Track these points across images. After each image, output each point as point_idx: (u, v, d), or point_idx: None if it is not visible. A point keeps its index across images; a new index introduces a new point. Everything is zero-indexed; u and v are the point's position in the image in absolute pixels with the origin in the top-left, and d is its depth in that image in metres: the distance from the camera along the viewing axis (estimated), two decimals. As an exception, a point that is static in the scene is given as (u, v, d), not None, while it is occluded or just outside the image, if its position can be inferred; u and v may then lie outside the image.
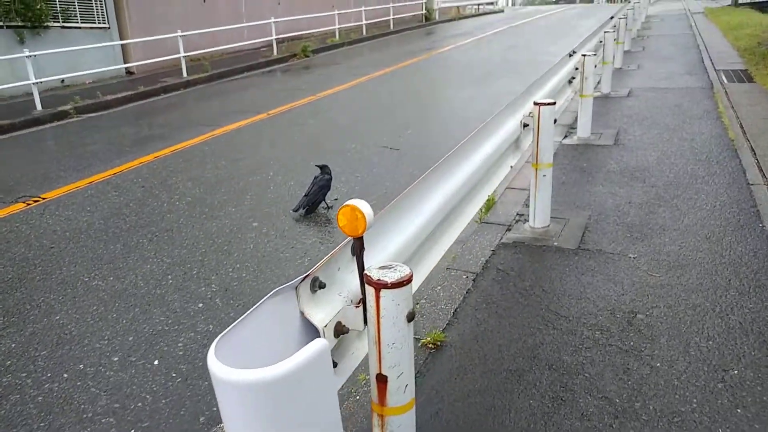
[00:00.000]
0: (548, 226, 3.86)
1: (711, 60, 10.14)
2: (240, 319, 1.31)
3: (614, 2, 35.66)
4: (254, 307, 1.36)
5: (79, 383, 2.74)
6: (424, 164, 5.77)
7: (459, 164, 2.56)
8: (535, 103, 3.57)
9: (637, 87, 8.31)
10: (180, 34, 12.63)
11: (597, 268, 3.24)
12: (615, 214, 4.00)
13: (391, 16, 22.18)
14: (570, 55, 5.76)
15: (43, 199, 5.22)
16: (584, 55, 5.58)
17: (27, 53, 9.34)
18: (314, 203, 4.67)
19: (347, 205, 1.55)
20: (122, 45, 13.34)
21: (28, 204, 5.10)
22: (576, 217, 3.99)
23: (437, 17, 26.37)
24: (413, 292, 1.65)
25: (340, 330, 1.55)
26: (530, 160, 3.81)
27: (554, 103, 3.61)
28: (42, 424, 2.50)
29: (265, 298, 1.38)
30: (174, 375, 2.76)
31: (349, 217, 1.55)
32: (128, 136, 7.62)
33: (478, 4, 32.51)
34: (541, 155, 3.66)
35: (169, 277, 3.69)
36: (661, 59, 10.69)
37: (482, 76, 10.70)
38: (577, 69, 5.75)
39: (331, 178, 4.78)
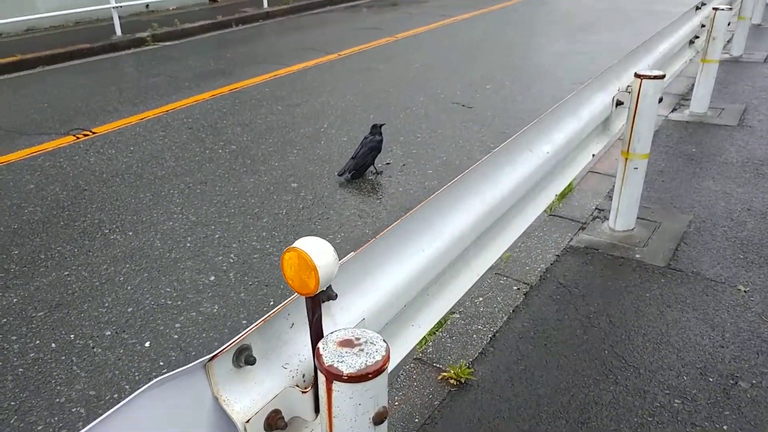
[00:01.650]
0: (632, 229, 3.14)
1: None
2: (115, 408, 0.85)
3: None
4: (135, 393, 0.89)
5: (63, 357, 2.48)
6: (496, 129, 5.06)
7: (512, 161, 1.93)
8: (637, 75, 2.79)
9: (771, 52, 6.94)
10: (264, -39, 12.09)
11: (690, 300, 2.53)
12: (726, 223, 3.19)
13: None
14: (698, 8, 4.73)
15: (93, 133, 5.05)
16: (716, 9, 4.52)
17: (108, -25, 9.19)
18: (362, 167, 4.16)
19: (291, 249, 1.03)
20: (207, -30, 13.01)
21: (78, 138, 4.94)
22: (671, 221, 3.23)
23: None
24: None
25: (274, 424, 1.06)
26: (619, 144, 3.06)
27: (663, 77, 2.81)
28: (12, 404, 2.26)
29: (150, 385, 0.91)
30: (161, 364, 2.44)
31: (296, 267, 1.03)
32: (193, 69, 7.35)
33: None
34: (635, 143, 2.90)
35: (189, 239, 3.36)
36: (806, 18, 8.96)
37: (583, 26, 9.47)
38: (703, 26, 4.71)
39: (381, 140, 4.23)
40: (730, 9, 4.51)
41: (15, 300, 2.87)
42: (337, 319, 1.24)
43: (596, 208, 3.42)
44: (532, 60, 7.46)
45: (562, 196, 3.62)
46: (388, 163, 4.44)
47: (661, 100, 2.87)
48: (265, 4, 12.25)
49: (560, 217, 3.33)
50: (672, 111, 5.04)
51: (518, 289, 2.66)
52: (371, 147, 4.17)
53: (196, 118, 5.44)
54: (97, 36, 9.28)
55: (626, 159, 2.98)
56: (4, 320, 2.73)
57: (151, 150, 4.66)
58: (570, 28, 9.50)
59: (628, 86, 2.89)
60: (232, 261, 3.14)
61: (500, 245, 1.95)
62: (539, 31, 9.62)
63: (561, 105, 2.35)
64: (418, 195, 3.89)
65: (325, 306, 1.22)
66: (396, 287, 1.39)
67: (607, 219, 3.23)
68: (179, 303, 2.78)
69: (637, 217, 3.19)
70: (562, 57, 7.54)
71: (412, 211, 1.48)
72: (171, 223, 3.54)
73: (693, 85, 5.04)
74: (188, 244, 3.30)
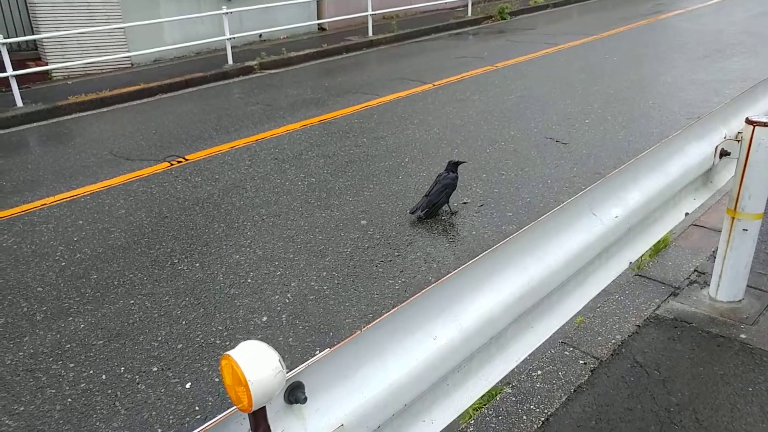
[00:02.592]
0: (740, 301, 2.66)
1: None
2: None
3: None
4: None
5: (109, 391, 2.52)
6: (591, 168, 4.66)
7: (567, 227, 1.66)
8: (749, 121, 2.37)
9: None
10: (370, -9, 12.39)
11: (802, 398, 2.06)
12: None
13: (611, -25, 19.45)
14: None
15: (186, 160, 5.31)
16: None
17: (225, 10, 9.84)
18: (435, 206, 3.97)
19: (226, 357, 0.88)
20: (317, 1, 13.59)
21: (172, 164, 5.22)
22: (788, 291, 2.70)
23: (670, -24, 22.55)
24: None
25: None
26: (724, 199, 2.62)
27: (779, 124, 2.36)
28: (55, 435, 2.31)
29: None
30: (197, 408, 2.39)
31: (230, 377, 0.88)
32: (289, 98, 7.59)
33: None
34: (745, 200, 2.46)
35: (251, 275, 3.35)
36: None
37: (708, 53, 8.62)
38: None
39: (456, 177, 4.04)
40: None
41: (82, 326, 2.99)
42: (309, 424, 1.07)
43: (695, 271, 2.96)
44: (642, 91, 6.87)
45: (656, 251, 3.18)
46: (465, 203, 4.21)
47: (777, 150, 2.41)
48: (370, 33, 12.52)
49: (648, 278, 2.91)
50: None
51: (585, 363, 2.32)
52: (445, 185, 3.98)
53: (283, 148, 5.55)
54: (212, 65, 9.95)
55: (733, 218, 2.54)
56: (68, 346, 2.84)
57: (234, 179, 4.80)
58: (693, 54, 8.69)
59: (739, 133, 2.47)
60: (287, 301, 3.07)
61: (551, 324, 1.67)
62: (655, 58, 8.90)
63: (640, 158, 2.03)
64: (492, 239, 3.63)
65: (293, 409, 1.06)
66: (393, 383, 1.20)
67: (708, 285, 2.77)
68: (227, 343, 2.74)
69: (747, 286, 2.70)
70: (679, 88, 6.87)
71: (423, 293, 1.28)
72: (237, 256, 3.56)
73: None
74: (249, 280, 3.29)
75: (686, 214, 2.40)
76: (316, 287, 3.18)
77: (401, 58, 10.38)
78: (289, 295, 3.12)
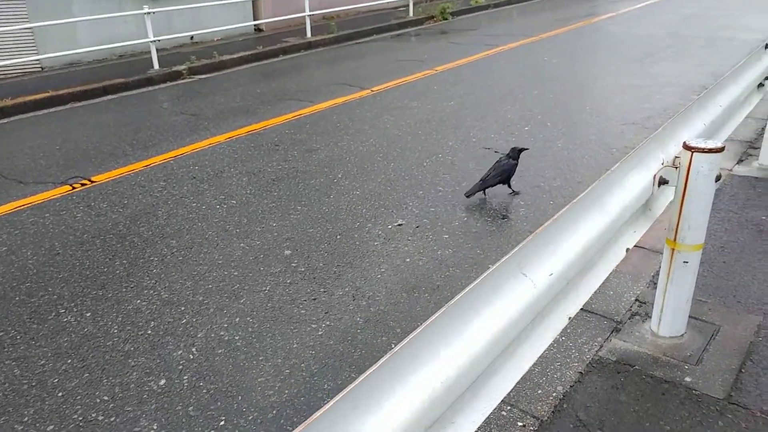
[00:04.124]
0: (682, 335, 2.46)
1: None
2: None
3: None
4: None
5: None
6: (529, 181, 4.45)
7: (490, 299, 1.37)
8: (687, 147, 2.16)
9: None
10: (306, -9, 11.96)
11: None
12: (805, 330, 2.47)
13: (548, -26, 19.68)
14: (767, 47, 3.98)
15: (92, 182, 4.79)
16: (789, 48, 3.79)
17: (146, 10, 9.20)
18: (486, 189, 4.19)
19: None
20: (252, 1, 13.04)
21: (74, 188, 4.69)
22: (734, 324, 2.53)
23: (604, -24, 23.09)
24: None
25: None
26: (663, 216, 2.41)
27: (721, 149, 2.16)
28: None
29: None
30: None
31: None
32: (217, 106, 7.11)
33: (658, -39, 28.13)
34: (684, 231, 2.26)
35: (152, 324, 2.93)
36: None
37: (640, 57, 8.67)
38: (774, 67, 3.96)
39: (516, 164, 4.15)
40: (814, 47, 3.76)
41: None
42: None
43: (636, 300, 2.76)
44: (579, 96, 6.77)
45: (597, 279, 2.97)
46: (399, 225, 3.91)
47: (719, 178, 2.22)
48: (309, 34, 12.09)
49: (589, 311, 2.69)
50: (738, 163, 4.27)
51: (524, 426, 2.06)
52: (502, 170, 4.11)
53: (204, 164, 5.11)
54: (135, 70, 9.28)
55: (673, 250, 2.33)
56: None
57: (145, 204, 4.33)
58: (625, 58, 8.72)
59: (676, 158, 2.26)
60: (191, 357, 2.68)
61: (476, 415, 1.38)
62: (591, 62, 8.90)
63: (577, 201, 1.77)
64: (426, 268, 3.34)
65: None
66: None
67: (650, 318, 2.57)
68: (112, 419, 2.33)
69: (690, 316, 2.52)
70: (614, 93, 6.82)
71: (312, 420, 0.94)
72: (138, 301, 3.13)
73: (763, 128, 4.26)
74: (149, 332, 2.87)
75: (627, 249, 2.17)
76: (226, 338, 2.80)
77: (340, 60, 10.03)
78: (194, 349, 2.73)
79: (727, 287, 2.78)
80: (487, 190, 4.21)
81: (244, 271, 3.39)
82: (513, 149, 4.23)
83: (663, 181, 2.24)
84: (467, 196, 4.16)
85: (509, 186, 4.21)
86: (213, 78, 9.12)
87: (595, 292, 2.82)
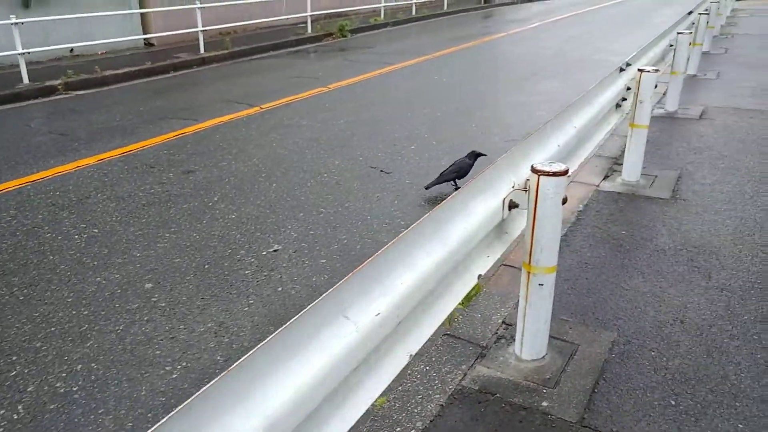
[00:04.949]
0: (543, 357, 2.47)
1: (815, 73, 8.16)
2: None
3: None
4: None
5: None
6: (412, 201, 4.44)
7: (313, 344, 1.24)
8: (534, 170, 2.16)
9: (713, 105, 6.58)
10: (198, 6, 11.53)
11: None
12: (656, 344, 2.56)
13: (446, -5, 20.44)
14: (622, 70, 4.23)
15: (-73, 213, 4.22)
16: (641, 71, 4.04)
17: (14, 20, 8.42)
18: (443, 183, 4.48)
19: None
20: (141, 14, 12.39)
21: None
22: (590, 342, 2.58)
23: (498, -2, 24.34)
24: None
25: None
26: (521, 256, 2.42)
27: (565, 173, 2.19)
28: None
29: None
30: None
31: None
32: (92, 125, 6.59)
33: (546, -14, 30.08)
34: (538, 254, 2.26)
35: (-24, 377, 2.55)
36: (747, 66, 8.76)
37: (526, 75, 9.09)
38: (629, 89, 4.21)
39: (472, 164, 4.44)
40: (657, 71, 4.03)
41: None
42: None
43: (503, 323, 2.76)
44: (466, 114, 6.94)
45: (468, 300, 2.96)
46: (275, 250, 3.74)
47: (564, 201, 2.25)
48: (202, 49, 11.64)
49: (456, 337, 2.65)
50: (604, 179, 4.49)
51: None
52: (459, 167, 4.42)
53: (67, 190, 4.66)
54: (2, 84, 8.46)
55: (529, 273, 2.34)
56: None
57: (-11, 237, 3.86)
58: (513, 76, 9.11)
59: (528, 180, 2.27)
60: (15, 417, 2.34)
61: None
62: (481, 80, 9.20)
63: (413, 229, 1.70)
64: (299, 296, 3.19)
65: None
66: None
67: (515, 341, 2.57)
68: None
69: (552, 336, 2.54)
70: (500, 110, 7.06)
71: None
72: (-39, 352, 2.73)
73: (625, 149, 4.52)
74: (-32, 388, 2.50)
75: (479, 276, 2.13)
76: (62, 390, 2.49)
77: (233, 77, 9.71)
78: (20, 407, 2.39)
79: (587, 305, 2.85)
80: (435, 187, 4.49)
81: (96, 309, 3.06)
82: (471, 152, 4.53)
83: (513, 205, 2.24)
84: (426, 188, 4.48)
85: (455, 183, 4.52)
86: (92, 94, 8.51)
87: (465, 317, 2.82)
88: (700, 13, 7.71)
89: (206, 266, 3.54)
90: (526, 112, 6.83)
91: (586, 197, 4.12)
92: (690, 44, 6.76)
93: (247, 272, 3.48)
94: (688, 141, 5.31)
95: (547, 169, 2.15)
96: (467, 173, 4.48)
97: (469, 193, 2.03)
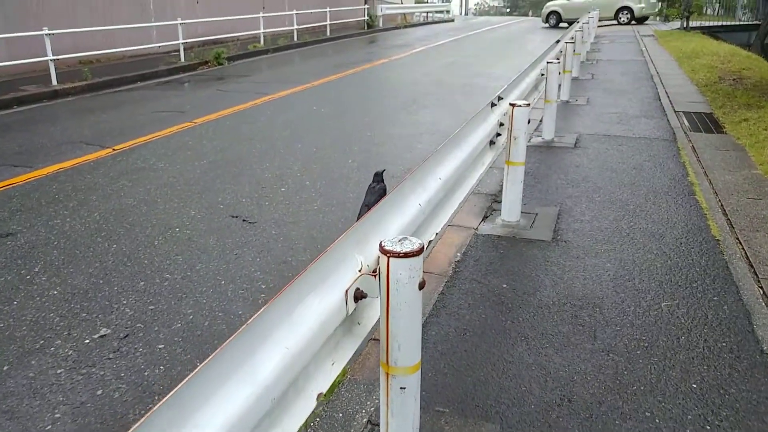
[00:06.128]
0: (411, 471, 2.02)
1: (669, 97, 8.69)
2: None
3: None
4: None
5: None
6: (277, 256, 3.90)
7: None
8: (383, 250, 1.72)
9: (587, 133, 6.68)
10: (46, 32, 10.31)
11: None
12: (536, 417, 2.20)
13: (328, 22, 20.29)
14: (493, 105, 4.00)
15: None
16: (513, 105, 3.83)
17: None
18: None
19: None
20: (-22, 42, 10.89)
21: None
22: (473, 422, 2.17)
23: (381, 24, 24.67)
24: None
25: None
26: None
27: (419, 252, 1.77)
28: None
29: None
30: None
31: None
32: None
33: (427, 12, 31.10)
34: (396, 352, 1.82)
35: None
36: (613, 92, 9.19)
37: (405, 104, 8.91)
38: (502, 125, 3.99)
39: (385, 187, 4.04)
40: (528, 105, 3.84)
41: None
42: None
43: (369, 422, 2.28)
44: (344, 148, 6.53)
45: (332, 390, 2.46)
46: (102, 336, 3.03)
47: (422, 285, 1.83)
48: (54, 81, 10.40)
49: (311, 451, 2.13)
50: (483, 219, 4.23)
51: None
52: (380, 194, 3.94)
53: None
54: None
55: (388, 374, 1.88)
56: None
57: None
58: (391, 106, 8.89)
59: (378, 262, 1.82)
60: None
61: None
62: (360, 109, 8.89)
63: (213, 364, 1.17)
64: (123, 401, 2.53)
65: None
66: None
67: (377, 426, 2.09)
68: None
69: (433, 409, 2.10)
70: (377, 144, 6.72)
71: None
72: None
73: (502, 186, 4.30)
74: None
75: (320, 395, 1.64)
76: None
77: (87, 113, 8.66)
78: None
79: (466, 387, 2.45)
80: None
81: None
82: (376, 174, 4.17)
83: (361, 296, 1.79)
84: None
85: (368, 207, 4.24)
86: None
87: (324, 414, 2.31)
88: (566, 42, 7.93)
89: (5, 368, 2.77)
90: (406, 145, 6.55)
91: (464, 244, 3.80)
92: (560, 72, 6.88)
93: (59, 371, 2.76)
94: (566, 172, 5.24)
95: (397, 249, 1.72)
96: (386, 191, 4.08)
97: (295, 291, 1.55)
